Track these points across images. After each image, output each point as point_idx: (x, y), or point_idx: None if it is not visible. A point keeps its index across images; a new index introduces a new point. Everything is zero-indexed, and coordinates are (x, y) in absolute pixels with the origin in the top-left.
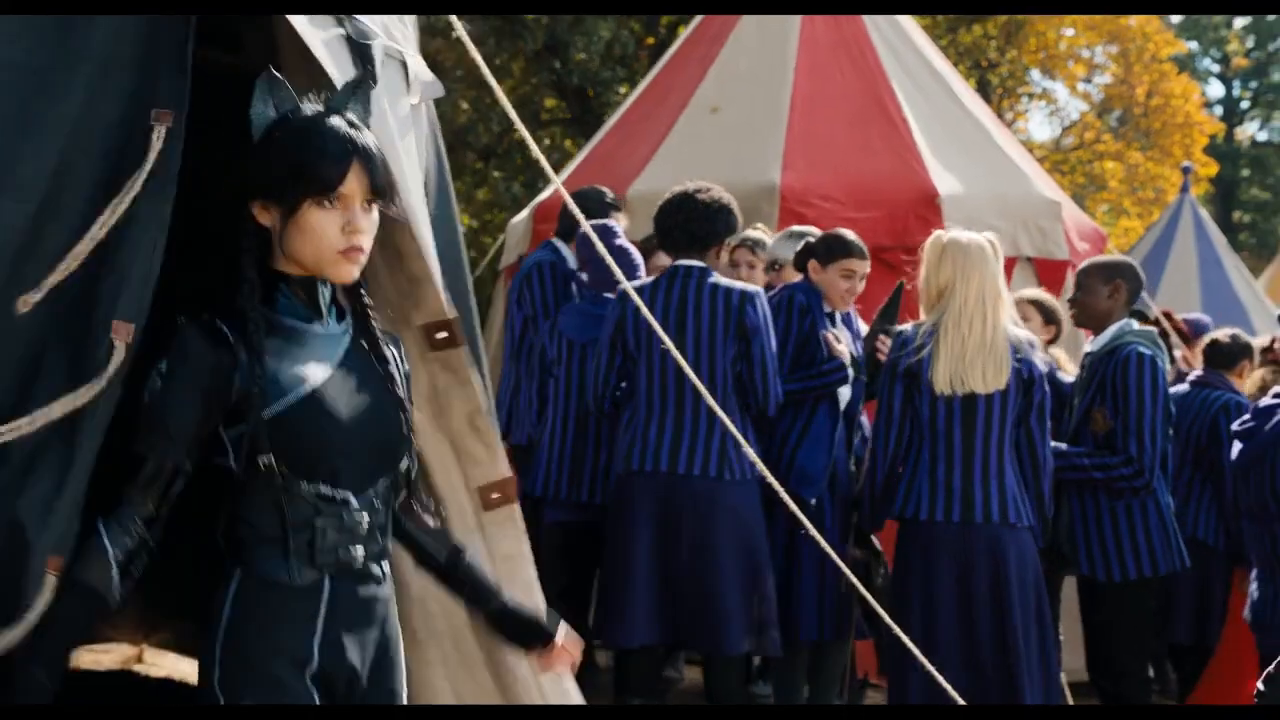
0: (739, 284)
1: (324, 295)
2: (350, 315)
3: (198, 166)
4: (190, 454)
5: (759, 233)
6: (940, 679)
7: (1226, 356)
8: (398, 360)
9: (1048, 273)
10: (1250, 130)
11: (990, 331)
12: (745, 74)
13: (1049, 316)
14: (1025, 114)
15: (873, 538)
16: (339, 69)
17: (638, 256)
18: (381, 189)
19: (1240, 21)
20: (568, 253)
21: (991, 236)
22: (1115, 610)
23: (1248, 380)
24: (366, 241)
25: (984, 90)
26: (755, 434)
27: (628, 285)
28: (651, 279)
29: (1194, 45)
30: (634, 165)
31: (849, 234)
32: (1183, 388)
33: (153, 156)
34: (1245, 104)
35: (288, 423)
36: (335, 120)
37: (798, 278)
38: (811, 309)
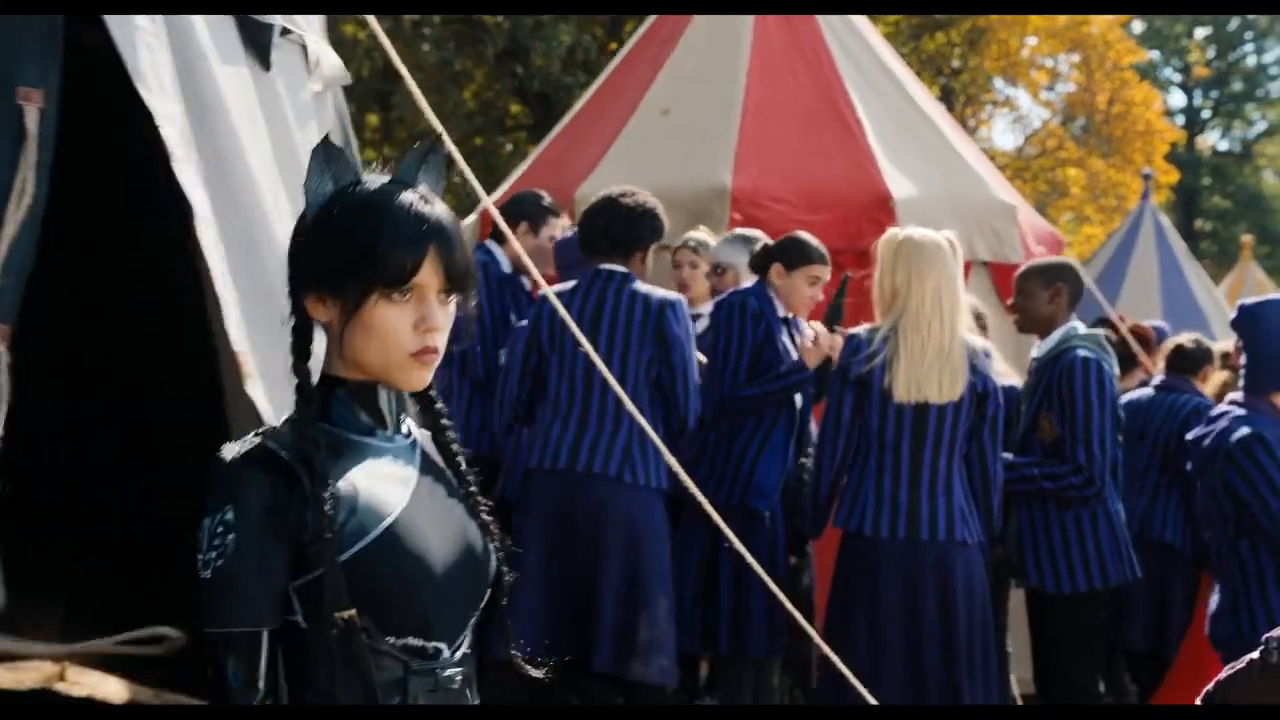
0: (660, 291)
1: (388, 402)
2: (416, 421)
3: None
4: (278, 615)
5: (703, 234)
6: (863, 690)
7: (1190, 361)
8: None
9: (1003, 277)
10: (1211, 139)
11: (948, 338)
12: (696, 75)
13: (981, 323)
14: (988, 121)
15: (807, 546)
16: (225, 50)
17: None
18: (461, 278)
19: (1202, 31)
20: (501, 255)
21: (950, 234)
22: (1064, 622)
23: (1209, 385)
24: (443, 341)
25: (947, 98)
26: (699, 447)
27: (547, 288)
28: (572, 283)
29: (1156, 55)
30: (584, 166)
31: (812, 239)
32: (1148, 392)
33: (32, 145)
34: (1206, 113)
35: (368, 566)
36: (406, 196)
37: (744, 282)
38: (765, 314)
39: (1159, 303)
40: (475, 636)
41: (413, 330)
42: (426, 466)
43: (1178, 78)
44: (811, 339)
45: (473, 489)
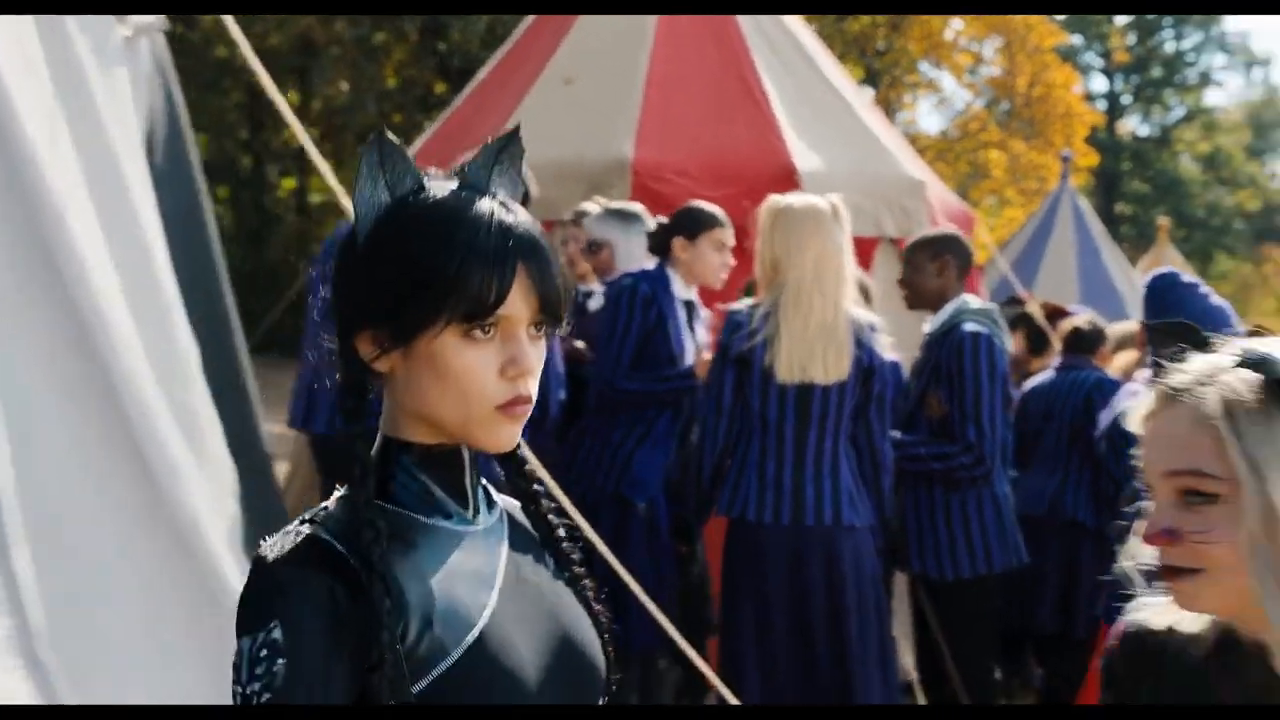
0: None
1: (469, 470)
2: (503, 484)
3: None
4: None
5: (591, 206)
6: (725, 690)
7: (1087, 342)
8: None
9: None
10: (1131, 124)
11: (831, 313)
12: (600, 46)
13: (868, 297)
14: (913, 104)
15: (696, 533)
16: None
17: None
18: (556, 306)
19: (1123, 18)
20: None
21: (835, 199)
22: (951, 609)
23: (1115, 364)
24: (534, 387)
25: (872, 79)
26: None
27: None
28: None
29: (1078, 39)
30: (484, 136)
31: (708, 205)
32: (1050, 375)
33: None
34: (1127, 98)
35: (448, 693)
36: (484, 204)
37: (621, 259)
38: (657, 299)
39: (1076, 284)
40: None
41: (498, 376)
42: (516, 549)
43: (1099, 63)
44: (709, 350)
45: (579, 571)
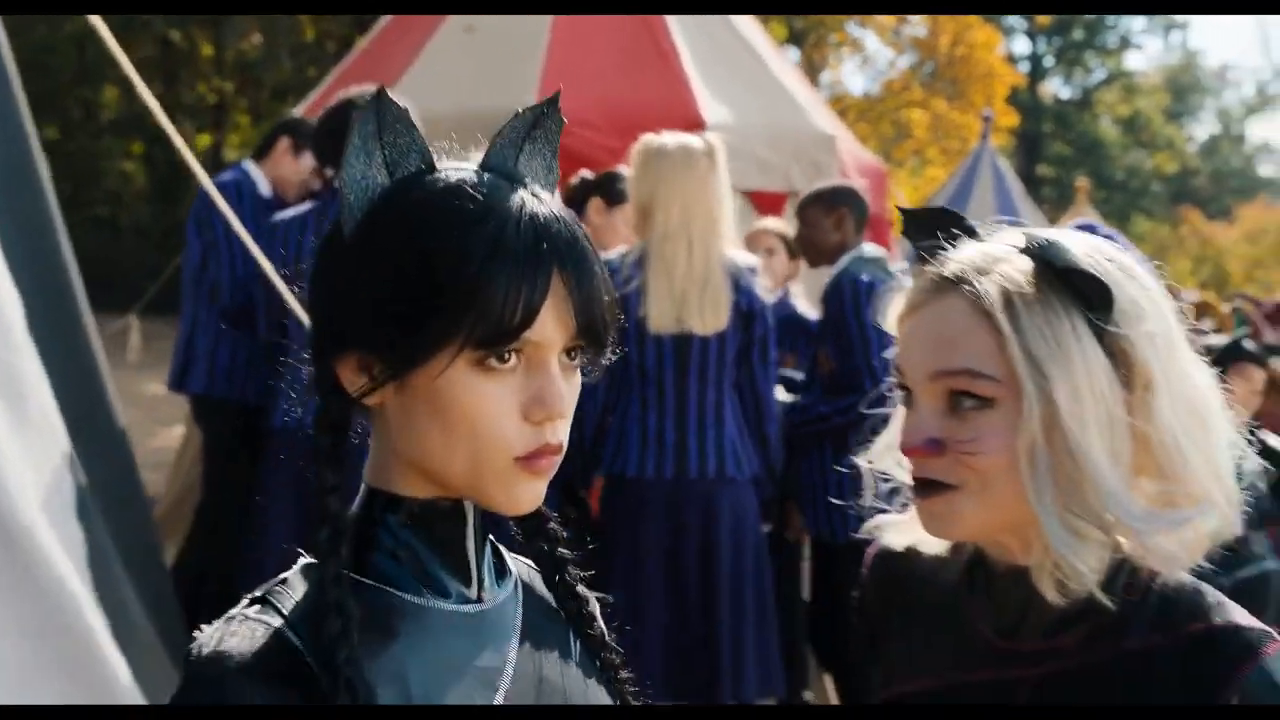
0: None
1: (474, 536)
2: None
3: None
4: None
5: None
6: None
7: None
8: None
9: None
10: (1054, 87)
11: (702, 260)
12: None
13: (791, 249)
14: (837, 64)
15: (583, 495)
16: None
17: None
18: (598, 327)
19: None
20: (259, 175)
21: (712, 137)
22: (842, 572)
23: None
24: (565, 433)
25: (797, 39)
26: None
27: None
28: (306, 207)
29: None
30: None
31: None
32: None
33: None
34: (1049, 60)
35: None
36: (512, 195)
37: None
38: None
39: None
40: None
41: (520, 418)
42: (532, 634)
43: (1023, 25)
44: None
45: (613, 660)
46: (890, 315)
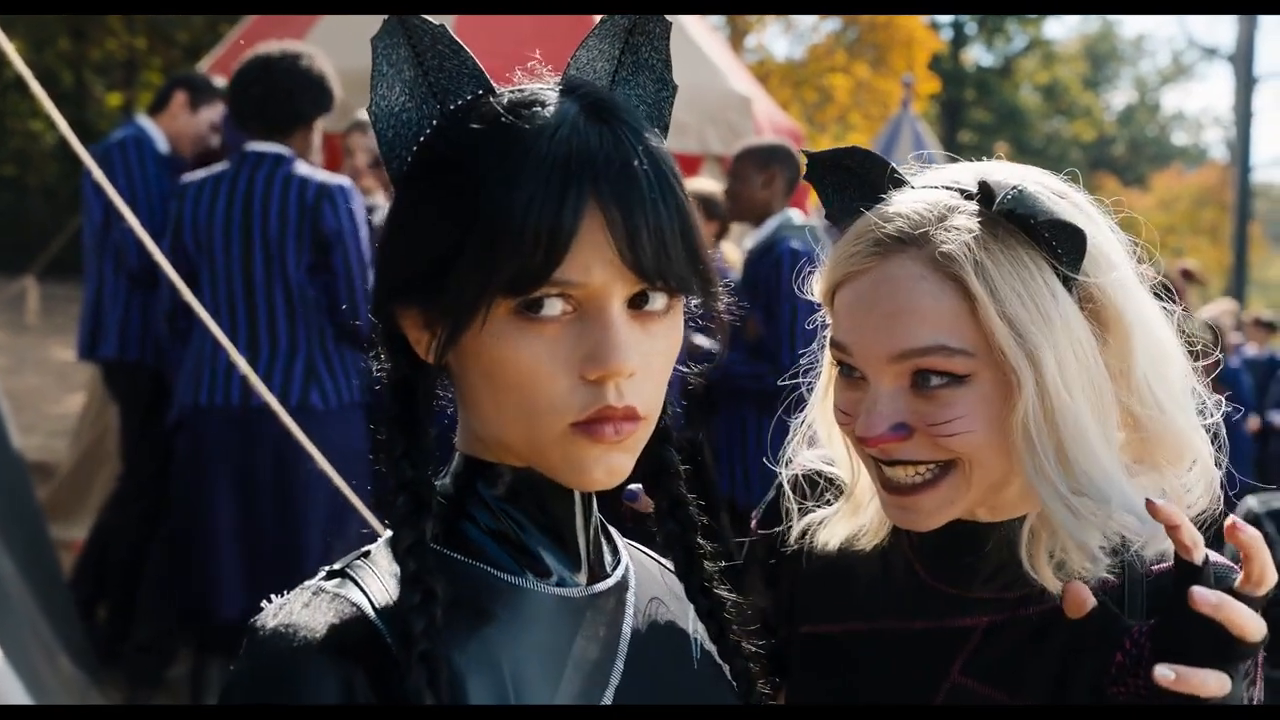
0: (321, 175)
1: (581, 515)
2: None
3: None
4: None
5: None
6: None
7: None
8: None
9: None
10: (975, 54)
11: None
12: None
13: (710, 210)
14: (761, 28)
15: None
16: None
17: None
18: (664, 265)
19: None
20: (155, 131)
21: None
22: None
23: None
24: (643, 394)
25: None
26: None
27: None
28: (220, 167)
29: None
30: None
31: None
32: None
33: None
34: (972, 28)
35: None
36: (562, 107)
37: None
38: None
39: None
40: None
41: (575, 376)
42: (647, 625)
43: None
44: None
45: (749, 666)
46: (818, 284)
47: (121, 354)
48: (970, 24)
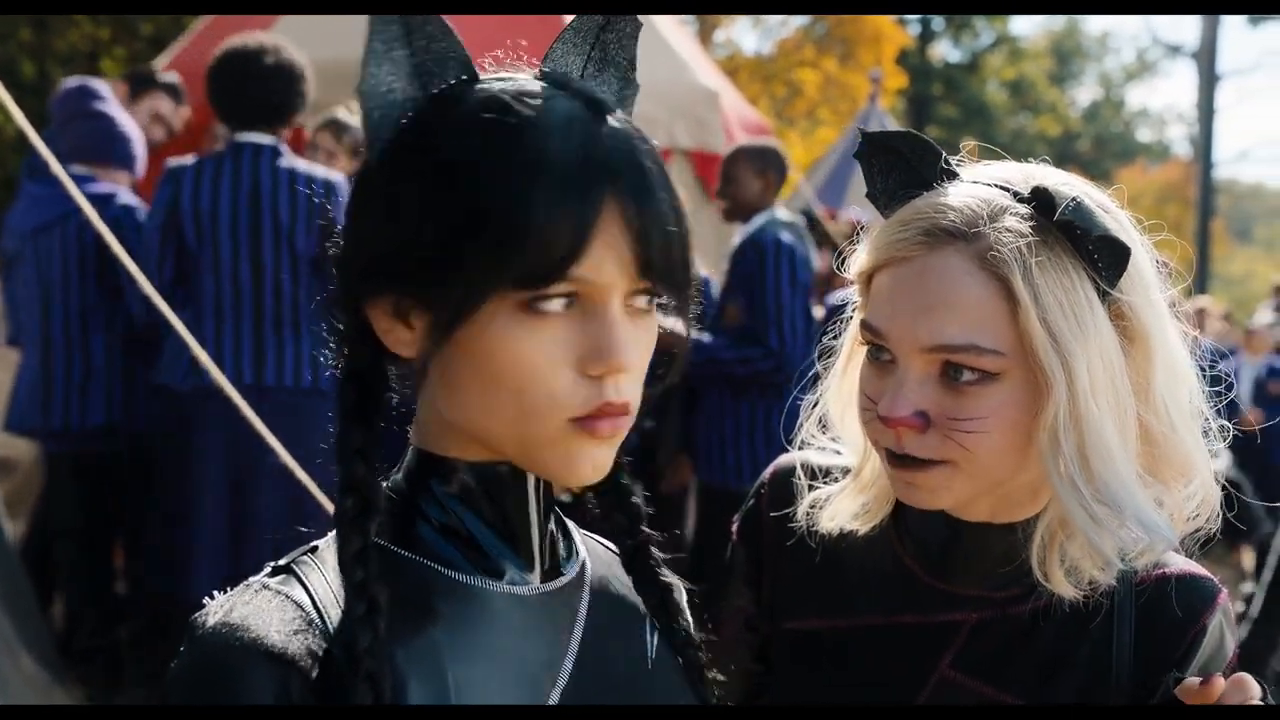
0: (319, 168)
1: (537, 506)
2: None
3: None
4: None
5: (345, 113)
6: None
7: None
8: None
9: (705, 166)
10: (943, 50)
11: None
12: None
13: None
14: (726, 23)
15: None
16: None
17: (128, 130)
18: (668, 266)
19: None
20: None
21: None
22: (729, 519)
23: None
24: (635, 390)
25: None
26: None
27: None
28: (201, 157)
29: None
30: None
31: None
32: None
33: None
34: (939, 24)
35: None
36: (562, 106)
37: None
38: None
39: None
40: None
41: (575, 371)
42: (599, 625)
43: None
44: None
45: (694, 654)
46: (855, 264)
47: None
48: (937, 20)
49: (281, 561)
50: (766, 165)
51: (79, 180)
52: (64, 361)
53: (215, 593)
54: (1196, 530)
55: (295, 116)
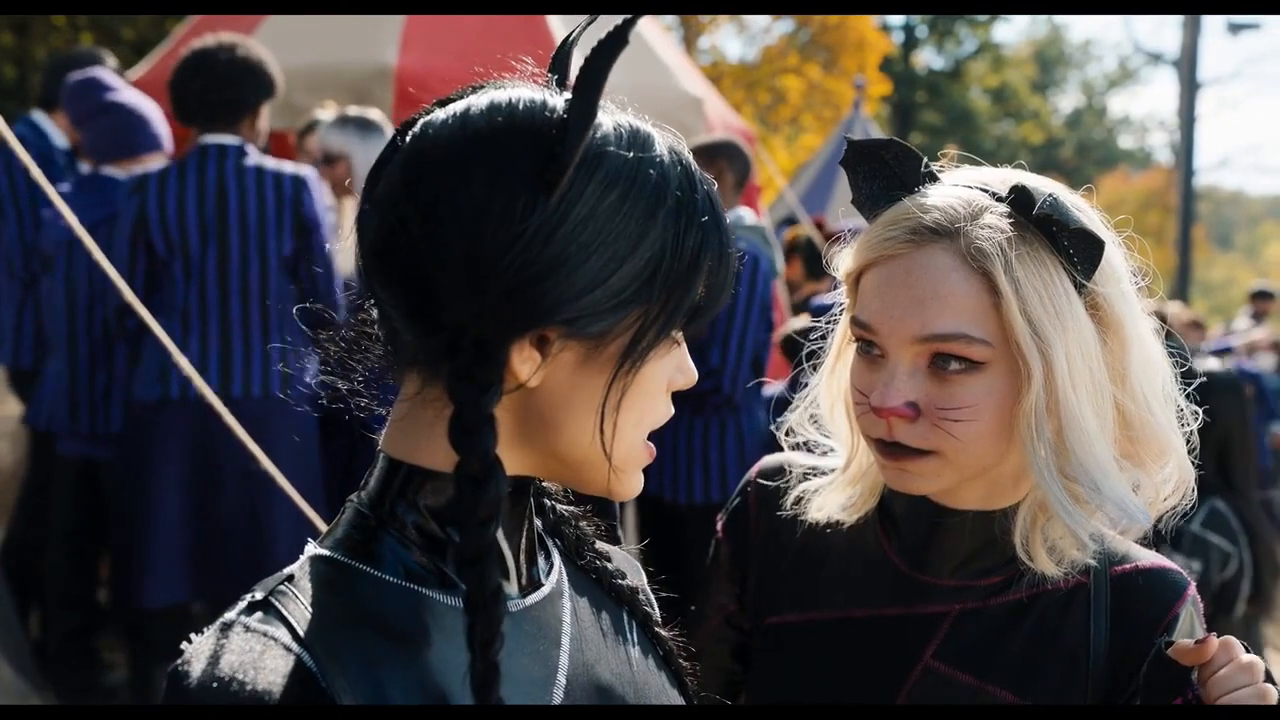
0: (287, 165)
1: (515, 527)
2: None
3: None
4: None
5: (326, 114)
6: None
7: None
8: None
9: None
10: (926, 57)
11: None
12: None
13: None
14: (709, 28)
15: None
16: None
17: (145, 112)
18: (720, 304)
19: None
20: (51, 127)
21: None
22: (680, 535)
23: None
24: None
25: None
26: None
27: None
28: (167, 163)
29: None
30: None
31: None
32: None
33: None
34: (923, 31)
35: None
36: (661, 142)
37: (359, 172)
38: None
39: None
40: None
41: (667, 394)
42: (583, 625)
43: None
44: None
45: (668, 641)
46: (844, 264)
47: (15, 361)
48: (921, 27)
49: (258, 595)
50: (717, 158)
51: (111, 183)
52: (88, 369)
53: (169, 604)
54: (1173, 508)
55: (259, 111)
